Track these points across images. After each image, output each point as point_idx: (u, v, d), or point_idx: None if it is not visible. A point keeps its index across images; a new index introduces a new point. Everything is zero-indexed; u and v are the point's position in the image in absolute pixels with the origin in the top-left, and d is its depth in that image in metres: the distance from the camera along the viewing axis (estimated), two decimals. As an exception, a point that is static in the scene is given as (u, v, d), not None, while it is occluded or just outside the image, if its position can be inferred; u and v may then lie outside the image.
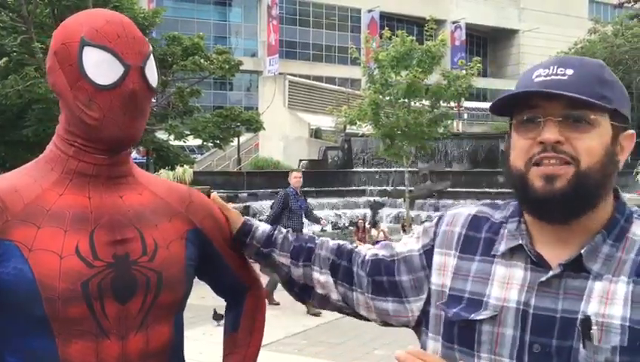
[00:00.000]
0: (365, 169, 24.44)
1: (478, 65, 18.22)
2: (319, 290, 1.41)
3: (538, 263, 1.13)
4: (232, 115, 18.39)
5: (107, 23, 1.22)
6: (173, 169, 17.53)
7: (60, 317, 1.17)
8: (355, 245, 1.48)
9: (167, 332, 1.30)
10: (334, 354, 6.33)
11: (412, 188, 19.59)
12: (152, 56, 1.28)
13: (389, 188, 22.68)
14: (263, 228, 1.48)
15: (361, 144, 24.62)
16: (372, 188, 23.49)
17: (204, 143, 19.66)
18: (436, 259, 1.26)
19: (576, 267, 1.10)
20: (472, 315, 1.15)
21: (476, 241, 1.23)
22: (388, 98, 17.35)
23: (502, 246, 1.18)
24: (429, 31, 18.04)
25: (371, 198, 22.83)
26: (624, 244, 1.11)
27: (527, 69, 1.20)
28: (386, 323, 1.35)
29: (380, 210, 21.82)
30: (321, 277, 1.40)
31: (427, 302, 1.26)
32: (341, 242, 1.46)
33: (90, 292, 1.19)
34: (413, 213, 18.75)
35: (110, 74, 1.20)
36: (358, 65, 19.64)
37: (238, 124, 18.96)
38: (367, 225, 16.56)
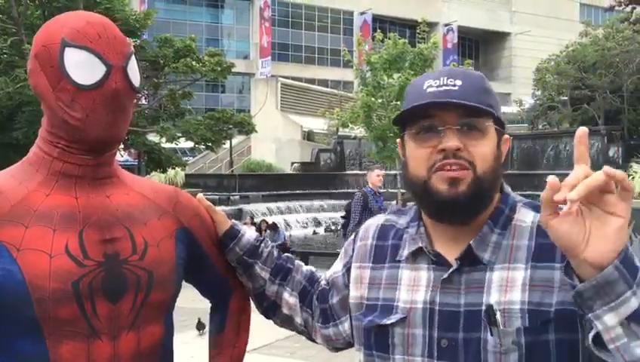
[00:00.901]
0: (357, 171, 24.45)
1: (470, 67, 18.28)
2: (285, 311, 1.48)
3: (438, 262, 1.20)
4: (224, 118, 18.37)
5: (88, 23, 1.22)
6: (164, 171, 17.46)
7: (51, 318, 1.16)
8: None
9: (159, 332, 1.30)
10: (326, 357, 6.31)
11: (404, 191, 19.61)
12: (133, 56, 1.28)
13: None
14: (248, 235, 1.49)
15: (353, 146, 24.65)
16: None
17: (196, 146, 19.63)
18: (353, 273, 1.34)
19: (471, 260, 1.17)
20: (384, 320, 1.22)
21: (385, 249, 1.30)
22: (380, 100, 17.37)
23: (405, 251, 1.26)
24: (422, 33, 18.09)
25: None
26: (512, 232, 1.19)
27: (415, 79, 1.27)
28: (335, 349, 1.44)
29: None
30: (290, 299, 1.47)
31: (350, 317, 1.33)
32: (312, 269, 1.53)
33: (80, 292, 1.18)
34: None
35: (92, 74, 1.20)
36: (351, 67, 19.67)
37: (230, 126, 18.94)
38: (360, 228, 16.53)
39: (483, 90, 1.20)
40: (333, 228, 20.48)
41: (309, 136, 27.73)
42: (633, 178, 11.55)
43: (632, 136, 20.50)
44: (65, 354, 1.18)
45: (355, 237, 1.39)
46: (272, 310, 1.50)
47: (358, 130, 19.08)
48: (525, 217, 1.21)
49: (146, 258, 1.27)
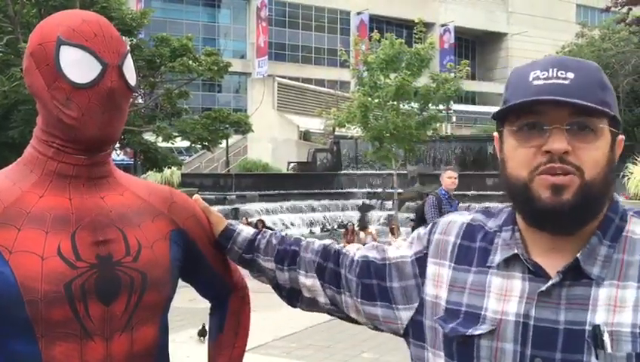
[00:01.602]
0: (354, 171, 24.47)
1: (467, 68, 18.34)
2: (306, 294, 1.38)
3: (536, 273, 1.08)
4: (221, 117, 18.35)
5: (83, 22, 1.21)
6: (161, 171, 17.44)
7: (43, 320, 1.15)
8: (342, 245, 1.45)
9: (153, 334, 1.29)
10: (323, 356, 6.32)
11: (401, 191, 19.62)
12: (129, 55, 1.27)
13: (377, 191, 22.71)
14: (245, 232, 1.45)
15: (350, 146, 24.66)
16: (361, 190, 23.51)
17: (193, 145, 19.60)
18: (430, 269, 1.22)
19: (576, 274, 1.06)
20: (470, 330, 1.10)
21: (471, 251, 1.18)
22: (377, 100, 17.40)
23: (497, 257, 1.14)
24: (418, 34, 18.13)
25: (360, 201, 22.85)
26: (623, 244, 1.08)
27: (518, 67, 1.14)
28: (376, 328, 1.32)
29: (368, 213, 21.85)
30: (307, 281, 1.37)
31: (418, 312, 1.22)
32: (327, 242, 1.42)
33: (73, 294, 1.17)
34: (401, 216, 18.78)
35: (88, 72, 1.19)
36: (347, 67, 19.71)
37: (227, 125, 18.92)
38: (356, 228, 16.57)
39: (599, 86, 1.07)
40: (329, 227, 20.48)
41: (305, 135, 27.74)
42: (629, 179, 11.59)
43: (627, 137, 20.55)
44: (58, 355, 1.17)
45: (432, 227, 1.26)
46: (294, 297, 1.41)
47: (355, 130, 19.09)
48: (637, 228, 1.09)
49: (140, 259, 1.26)
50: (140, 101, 18.07)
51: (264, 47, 41.70)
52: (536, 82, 1.06)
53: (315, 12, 46.51)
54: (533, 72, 1.07)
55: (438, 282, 1.20)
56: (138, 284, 1.24)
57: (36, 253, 1.17)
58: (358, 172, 24.18)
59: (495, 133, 1.17)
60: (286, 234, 1.49)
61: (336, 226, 20.73)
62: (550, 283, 1.06)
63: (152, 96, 18.42)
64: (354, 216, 21.43)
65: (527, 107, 1.05)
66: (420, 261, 1.24)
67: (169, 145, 19.25)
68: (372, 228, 17.50)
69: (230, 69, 19.11)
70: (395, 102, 17.35)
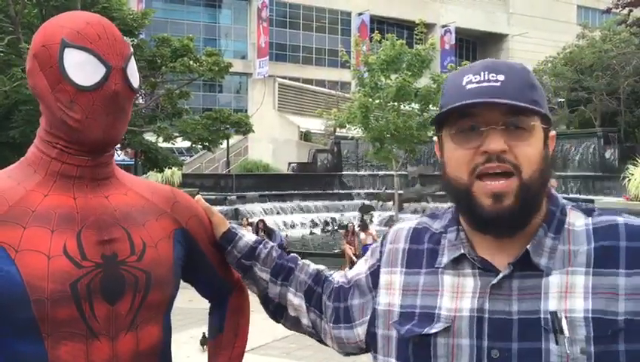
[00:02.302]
0: (355, 172, 24.45)
1: (468, 69, 18.29)
2: (291, 312, 1.41)
3: (485, 268, 1.12)
4: (222, 117, 18.36)
5: (87, 24, 1.22)
6: (161, 171, 17.45)
7: (49, 319, 1.16)
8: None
9: (157, 333, 1.30)
10: (322, 357, 6.32)
11: (401, 192, 19.62)
12: (133, 57, 1.27)
13: (378, 192, 22.71)
14: (247, 238, 1.46)
15: (350, 147, 24.65)
16: (361, 191, 23.51)
17: (193, 145, 19.60)
18: (383, 278, 1.25)
19: (524, 265, 1.09)
20: (426, 329, 1.13)
21: (420, 254, 1.22)
22: (377, 101, 17.38)
23: (444, 258, 1.17)
24: (419, 34, 18.12)
25: (360, 201, 22.84)
26: (566, 236, 1.12)
27: (452, 73, 1.17)
28: (347, 353, 1.35)
29: (369, 213, 21.84)
30: (295, 300, 1.40)
31: (371, 324, 1.25)
32: (321, 268, 1.44)
33: (79, 293, 1.18)
34: (402, 217, 18.78)
35: (92, 75, 1.20)
36: (348, 68, 19.70)
37: (228, 126, 18.93)
38: (357, 229, 16.56)
39: (528, 86, 1.10)
40: (329, 228, 20.47)
41: (306, 136, 27.73)
42: (630, 180, 11.58)
43: (628, 138, 20.55)
44: (63, 354, 1.17)
45: (383, 239, 1.31)
46: (278, 312, 1.44)
47: (355, 131, 19.09)
48: (577, 221, 1.13)
49: (144, 259, 1.26)
50: (141, 101, 18.06)
51: (265, 48, 41.70)
52: (469, 86, 1.09)
53: (315, 13, 46.50)
54: (467, 77, 1.11)
55: (391, 290, 1.22)
56: (142, 283, 1.25)
57: (42, 252, 1.17)
58: (359, 173, 24.17)
59: (435, 138, 1.21)
60: (286, 249, 1.50)
61: (336, 227, 20.73)
62: (501, 275, 1.09)
63: (152, 96, 18.42)
64: (354, 216, 21.42)
65: (462, 110, 1.09)
66: (374, 274, 1.28)
67: (170, 145, 19.25)
68: (372, 229, 17.50)
69: (231, 70, 19.12)
70: (396, 103, 17.34)
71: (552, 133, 1.16)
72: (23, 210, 1.19)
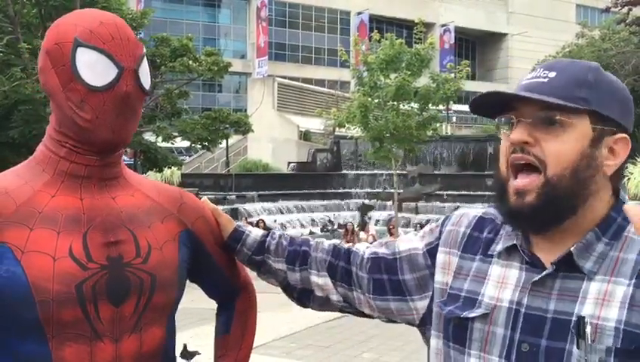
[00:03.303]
0: (354, 171, 24.46)
1: (467, 68, 18.30)
2: (318, 293, 1.40)
3: (533, 263, 1.14)
4: (221, 117, 18.36)
5: (101, 24, 1.21)
6: (161, 171, 17.44)
7: (54, 320, 1.16)
8: (350, 244, 1.48)
9: (161, 335, 1.30)
10: (323, 357, 6.32)
11: (401, 191, 19.63)
12: (145, 58, 1.27)
13: (377, 191, 22.71)
14: (254, 234, 1.46)
15: (350, 146, 24.65)
16: (361, 190, 23.52)
17: (193, 145, 19.60)
18: (440, 257, 1.27)
19: (569, 266, 1.10)
20: (465, 313, 1.17)
21: (479, 241, 1.24)
22: (377, 100, 17.37)
23: (499, 246, 1.20)
24: (418, 34, 18.10)
25: (360, 201, 22.85)
26: (622, 243, 1.10)
27: None
28: (390, 320, 1.36)
29: (368, 213, 21.86)
30: (319, 280, 1.39)
31: (432, 300, 1.27)
32: (336, 242, 1.46)
33: (84, 295, 1.18)
34: (401, 216, 18.79)
35: (103, 75, 1.19)
36: (348, 67, 19.68)
37: (227, 125, 18.92)
38: (356, 228, 16.57)
39: (579, 83, 1.09)
40: (329, 227, 20.47)
41: (305, 135, 27.74)
42: (629, 179, 11.58)
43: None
44: (68, 356, 1.17)
45: (444, 220, 1.32)
46: (305, 297, 1.43)
47: (355, 130, 19.08)
48: None
49: (150, 261, 1.26)
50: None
51: (264, 47, 41.69)
52: (524, 82, 1.14)
53: (315, 12, 46.51)
54: (530, 73, 1.15)
55: (447, 270, 1.25)
56: (147, 286, 1.25)
57: (48, 253, 1.17)
58: (358, 172, 24.18)
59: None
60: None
61: (336, 226, 20.73)
62: (544, 273, 1.11)
63: (152, 96, 18.41)
64: (354, 216, 21.43)
65: (506, 104, 1.13)
66: (431, 252, 1.30)
67: (169, 145, 19.24)
68: (372, 229, 17.51)
69: (230, 69, 19.13)
70: (395, 103, 17.32)
71: (621, 135, 1.12)
72: (30, 211, 1.19)
